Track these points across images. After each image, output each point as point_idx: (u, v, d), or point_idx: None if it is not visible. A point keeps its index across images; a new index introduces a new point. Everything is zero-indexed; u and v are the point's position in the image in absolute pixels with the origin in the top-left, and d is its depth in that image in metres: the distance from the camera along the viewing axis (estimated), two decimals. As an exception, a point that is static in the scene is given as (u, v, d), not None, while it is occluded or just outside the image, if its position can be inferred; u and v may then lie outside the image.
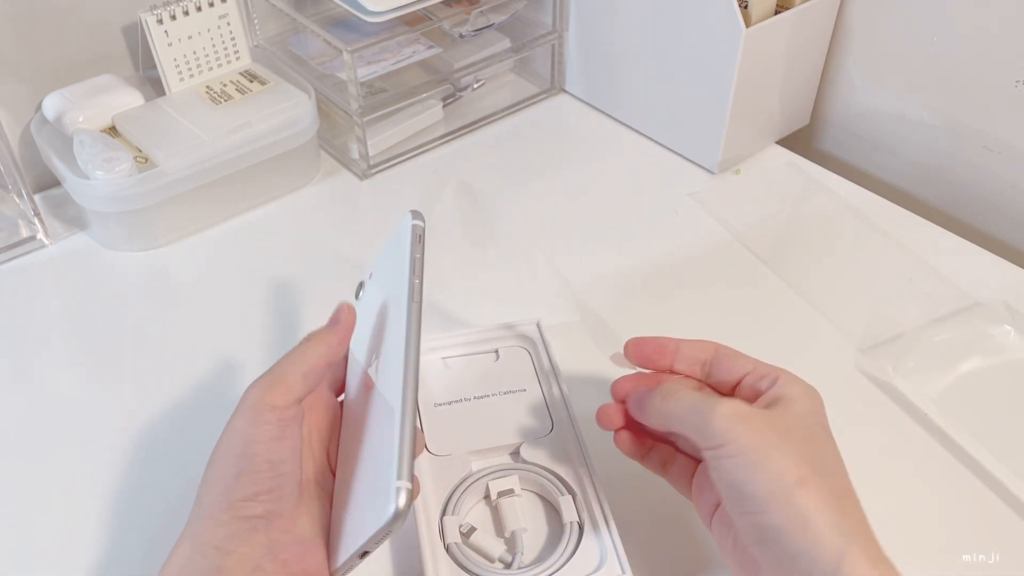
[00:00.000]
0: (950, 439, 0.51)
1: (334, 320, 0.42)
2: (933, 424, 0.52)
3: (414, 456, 0.37)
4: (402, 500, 0.35)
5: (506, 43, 0.79)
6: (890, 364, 0.55)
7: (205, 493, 0.38)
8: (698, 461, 0.43)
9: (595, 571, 0.43)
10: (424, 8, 0.71)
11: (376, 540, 0.36)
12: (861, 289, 0.62)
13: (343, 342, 0.42)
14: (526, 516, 0.46)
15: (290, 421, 0.38)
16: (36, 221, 0.67)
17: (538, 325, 0.56)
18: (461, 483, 0.47)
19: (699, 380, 0.43)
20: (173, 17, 0.67)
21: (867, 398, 0.54)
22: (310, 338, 0.41)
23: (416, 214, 0.44)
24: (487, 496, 0.47)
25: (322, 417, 0.43)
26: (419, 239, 0.43)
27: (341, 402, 0.45)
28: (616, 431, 0.44)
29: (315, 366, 0.40)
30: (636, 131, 0.78)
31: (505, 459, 0.49)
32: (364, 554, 0.37)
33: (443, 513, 0.46)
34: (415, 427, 0.38)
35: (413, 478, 0.36)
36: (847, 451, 0.51)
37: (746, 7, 0.65)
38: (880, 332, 0.58)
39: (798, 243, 0.66)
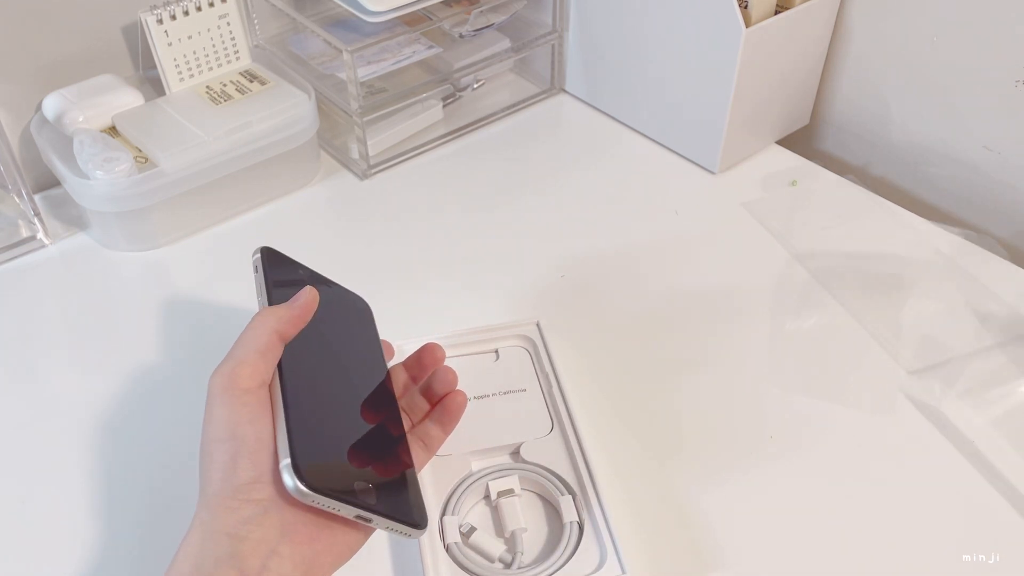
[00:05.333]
0: (992, 466, 0.50)
1: (293, 299, 0.43)
2: (976, 451, 0.50)
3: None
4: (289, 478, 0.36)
5: (506, 43, 0.79)
6: (938, 387, 0.53)
7: (206, 483, 0.37)
8: None
9: (595, 571, 0.43)
10: (424, 8, 0.71)
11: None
12: (912, 311, 0.59)
13: (298, 320, 0.42)
14: (526, 516, 0.46)
15: (264, 401, 0.39)
16: (36, 221, 0.67)
17: (538, 325, 0.56)
18: (461, 483, 0.47)
19: None
20: (173, 17, 0.67)
21: (912, 422, 0.52)
22: (260, 314, 0.42)
23: (256, 251, 0.45)
24: (487, 496, 0.47)
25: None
26: (256, 268, 0.45)
27: None
28: None
29: (269, 343, 0.40)
30: (636, 131, 0.78)
31: (505, 459, 0.49)
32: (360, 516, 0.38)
33: (443, 513, 0.46)
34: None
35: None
36: (888, 474, 0.49)
37: (746, 7, 0.65)
38: (930, 355, 0.56)
39: (852, 261, 0.64)
